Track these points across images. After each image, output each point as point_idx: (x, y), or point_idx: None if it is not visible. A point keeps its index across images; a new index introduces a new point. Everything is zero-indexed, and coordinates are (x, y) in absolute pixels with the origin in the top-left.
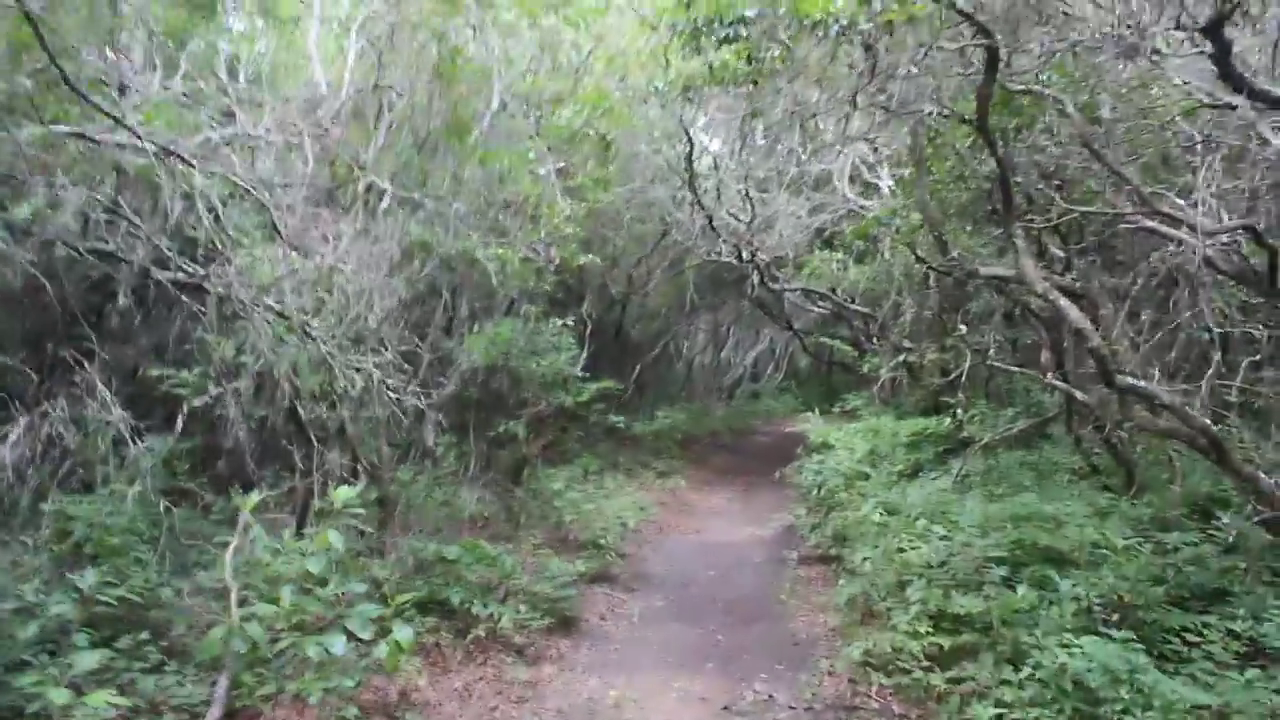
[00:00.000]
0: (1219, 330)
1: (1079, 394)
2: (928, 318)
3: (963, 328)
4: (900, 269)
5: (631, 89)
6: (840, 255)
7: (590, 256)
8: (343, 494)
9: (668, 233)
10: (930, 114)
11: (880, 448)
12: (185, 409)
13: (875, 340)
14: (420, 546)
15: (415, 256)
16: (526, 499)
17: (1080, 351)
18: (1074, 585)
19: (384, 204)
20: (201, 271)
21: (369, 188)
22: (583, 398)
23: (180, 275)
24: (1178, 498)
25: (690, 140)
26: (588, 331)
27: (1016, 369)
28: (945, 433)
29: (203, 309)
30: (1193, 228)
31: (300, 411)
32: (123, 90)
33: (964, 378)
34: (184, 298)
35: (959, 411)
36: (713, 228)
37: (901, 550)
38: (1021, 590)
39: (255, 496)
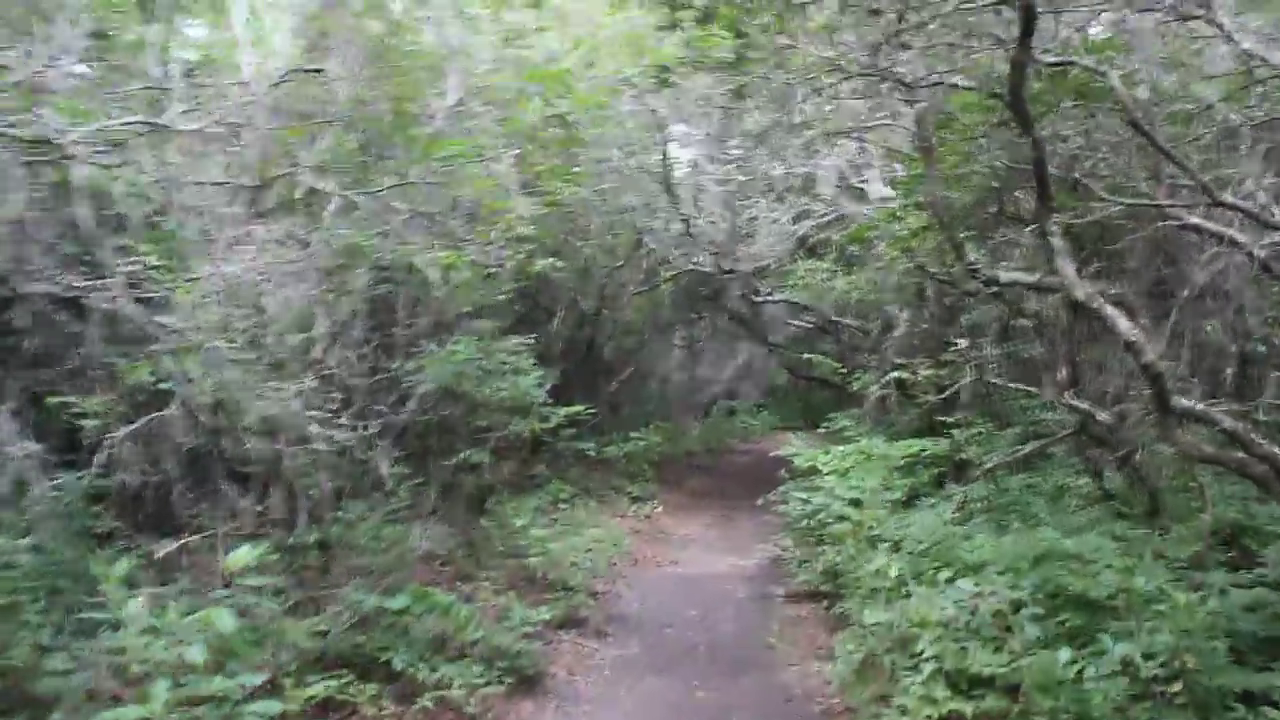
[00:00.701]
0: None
1: (1101, 414)
2: (922, 331)
3: (961, 341)
4: (896, 278)
5: (600, 79)
6: (827, 265)
7: (551, 261)
8: (239, 557)
9: (641, 243)
10: (953, 86)
11: (873, 473)
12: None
13: (865, 355)
14: (359, 599)
15: (350, 266)
16: (490, 532)
17: (1096, 367)
18: (1120, 643)
19: (330, 207)
20: (77, 285)
21: (305, 189)
22: (550, 424)
23: (54, 289)
24: (1207, 527)
25: (665, 139)
26: (558, 350)
27: (1019, 386)
28: (942, 455)
29: (89, 328)
30: (1266, 223)
31: (226, 445)
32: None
33: (962, 396)
34: (69, 316)
35: (956, 432)
36: (690, 235)
37: (917, 609)
38: (1063, 653)
39: (125, 563)
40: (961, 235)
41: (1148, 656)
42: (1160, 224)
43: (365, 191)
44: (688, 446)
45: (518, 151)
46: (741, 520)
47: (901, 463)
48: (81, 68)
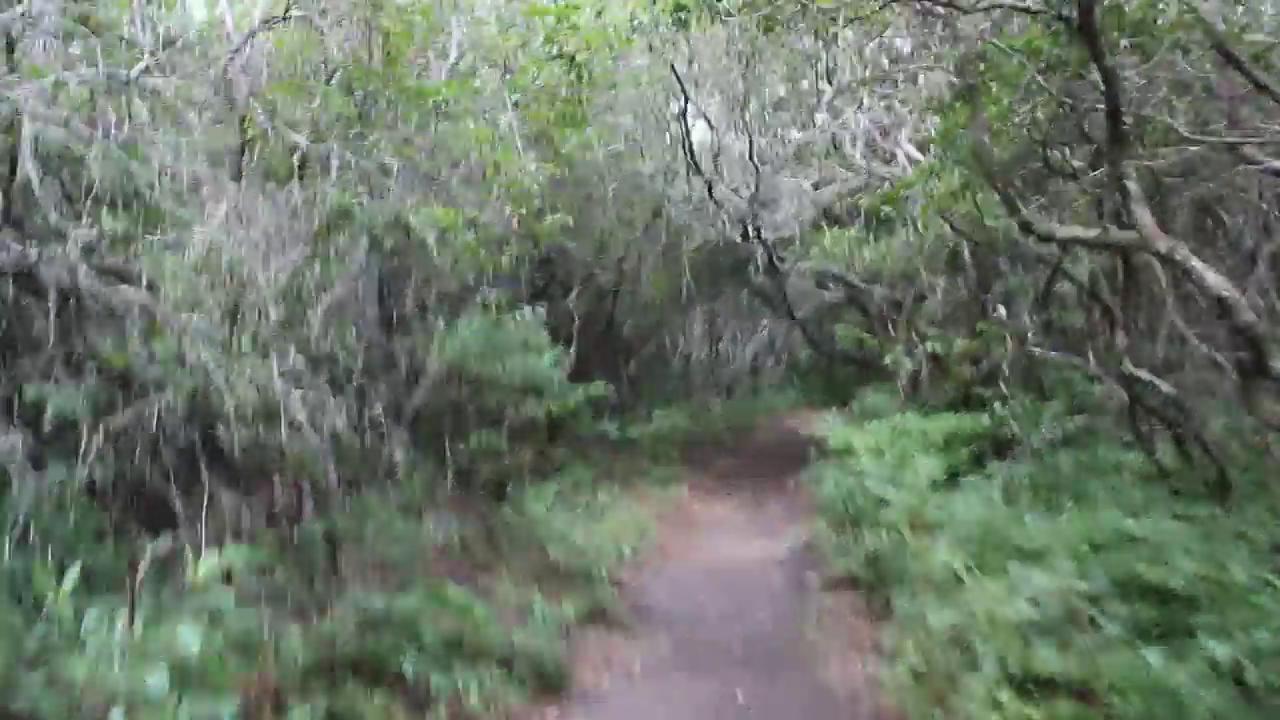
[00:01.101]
0: None
1: (1162, 384)
2: (956, 300)
3: (1001, 310)
4: (930, 244)
5: (612, 23)
6: (854, 232)
7: (560, 216)
8: (208, 566)
9: (660, 213)
10: (1013, 8)
11: (910, 451)
12: (99, 432)
13: (896, 328)
14: (367, 601)
15: (341, 229)
16: (509, 520)
17: (1147, 333)
18: (1217, 642)
19: (320, 168)
20: (33, 253)
21: (293, 150)
22: (569, 405)
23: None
24: None
25: (685, 94)
26: (575, 327)
27: (1063, 356)
28: (982, 432)
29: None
30: None
31: (222, 434)
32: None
33: (1002, 368)
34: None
35: (997, 407)
36: (713, 198)
37: (978, 603)
38: (1151, 653)
39: (74, 573)
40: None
41: (1254, 657)
42: (1240, 167)
43: (356, 150)
44: (712, 426)
45: (517, 99)
46: (770, 502)
47: (939, 440)
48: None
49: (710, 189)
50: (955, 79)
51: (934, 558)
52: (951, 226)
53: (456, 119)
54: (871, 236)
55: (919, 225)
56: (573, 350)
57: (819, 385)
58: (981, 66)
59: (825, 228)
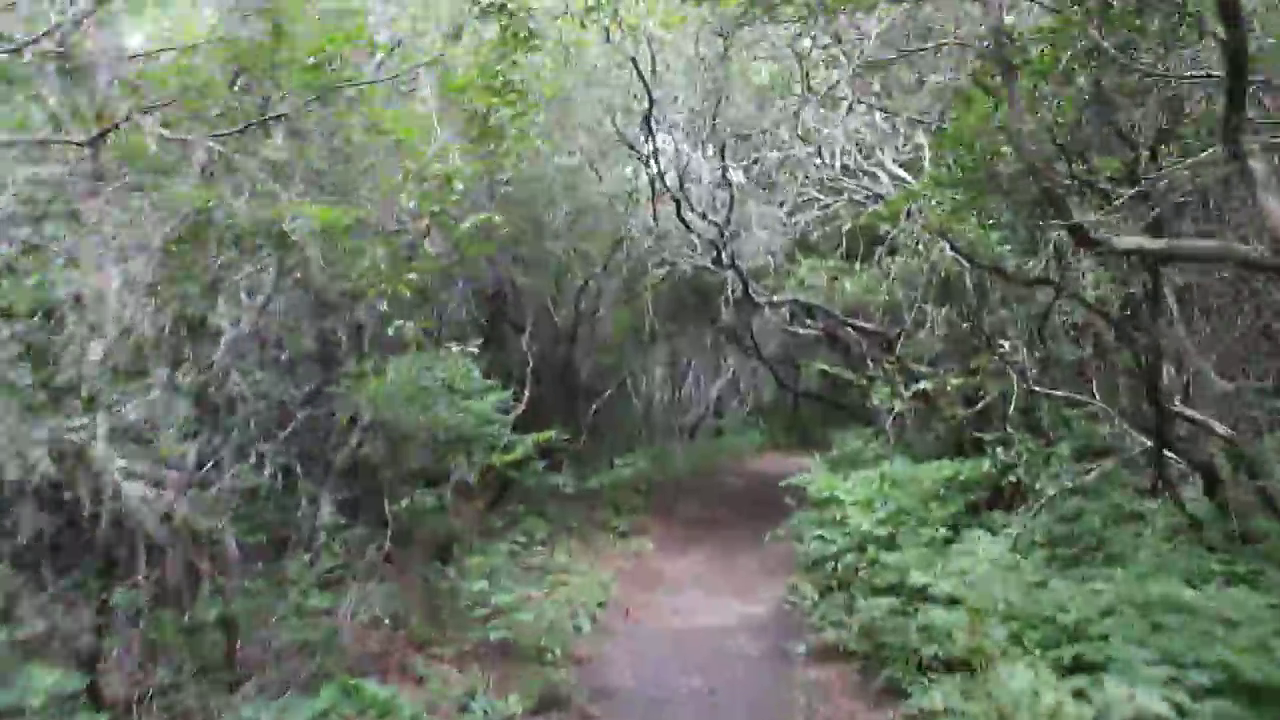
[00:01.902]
0: None
1: (1218, 426)
2: (947, 334)
3: (1005, 343)
4: (924, 270)
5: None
6: (833, 262)
7: (486, 216)
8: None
9: (621, 243)
10: None
11: (904, 502)
12: None
13: (882, 365)
14: (258, 713)
15: (201, 235)
16: (454, 587)
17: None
18: None
19: (199, 163)
20: None
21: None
22: (514, 454)
23: None
24: None
25: (649, 92)
26: (529, 369)
27: (1072, 395)
28: (980, 479)
29: None
30: None
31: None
32: None
33: (1002, 406)
34: None
35: (999, 451)
36: (681, 219)
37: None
38: None
39: None
40: (1001, 211)
41: None
42: None
43: (219, 135)
44: (676, 472)
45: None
46: (742, 555)
47: (935, 489)
48: None
49: (679, 207)
50: (976, 62)
51: (951, 631)
52: (953, 247)
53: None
54: (857, 266)
55: (917, 247)
56: (525, 395)
57: (784, 427)
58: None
59: (800, 258)
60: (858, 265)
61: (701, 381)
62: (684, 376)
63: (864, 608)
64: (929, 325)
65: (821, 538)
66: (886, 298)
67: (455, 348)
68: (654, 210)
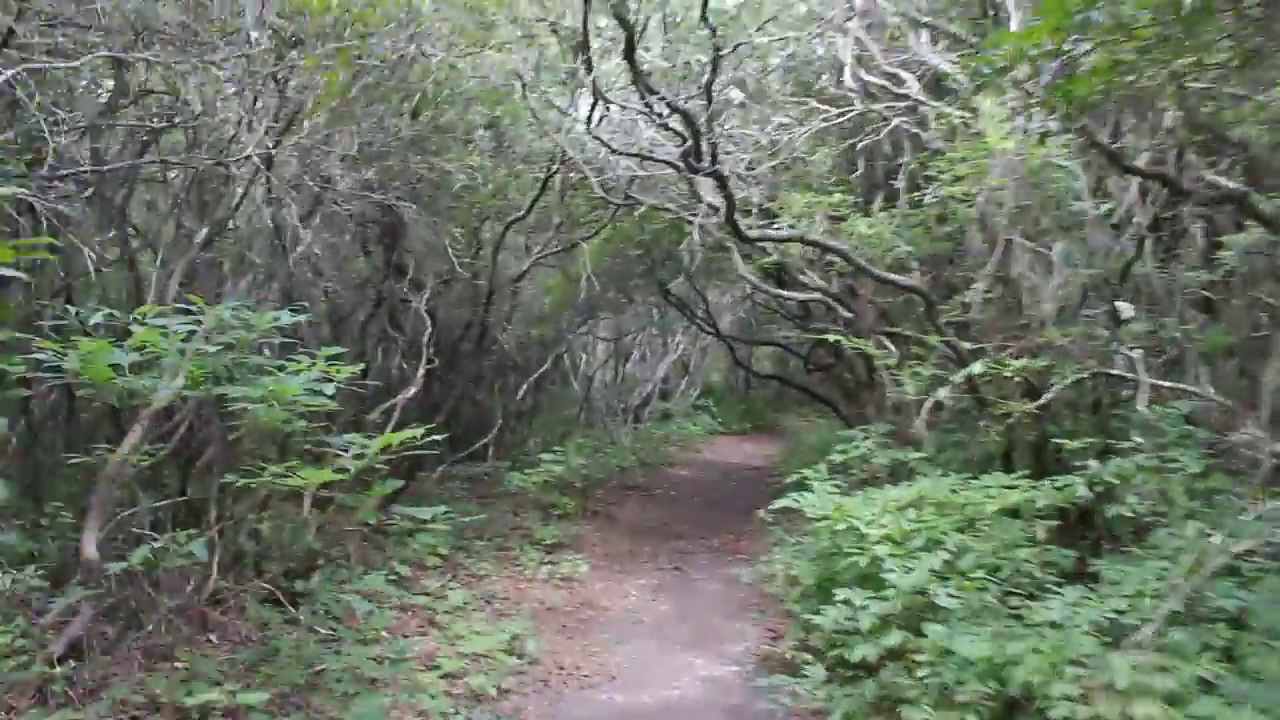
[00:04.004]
0: None
1: None
2: (998, 295)
3: (1127, 308)
4: (981, 200)
5: None
6: (839, 197)
7: None
8: None
9: (553, 177)
10: None
11: (951, 540)
12: None
13: (897, 339)
14: None
15: None
16: (298, 646)
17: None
18: None
19: None
20: None
21: None
22: (356, 463)
23: None
24: None
25: None
26: (427, 338)
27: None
28: (1061, 505)
29: None
30: None
31: None
32: None
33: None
34: None
35: (1093, 465)
36: (647, 103)
37: None
38: None
39: None
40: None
41: None
42: None
43: None
44: (619, 460)
45: None
46: (702, 578)
47: (999, 522)
48: None
49: (641, 86)
50: None
51: None
52: (1095, 145)
53: None
54: (868, 209)
55: (953, 171)
56: (420, 372)
57: (736, 411)
58: None
59: (790, 193)
60: (867, 208)
61: (648, 360)
62: (629, 355)
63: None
64: (984, 285)
65: (846, 603)
66: (910, 248)
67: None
68: (592, 113)
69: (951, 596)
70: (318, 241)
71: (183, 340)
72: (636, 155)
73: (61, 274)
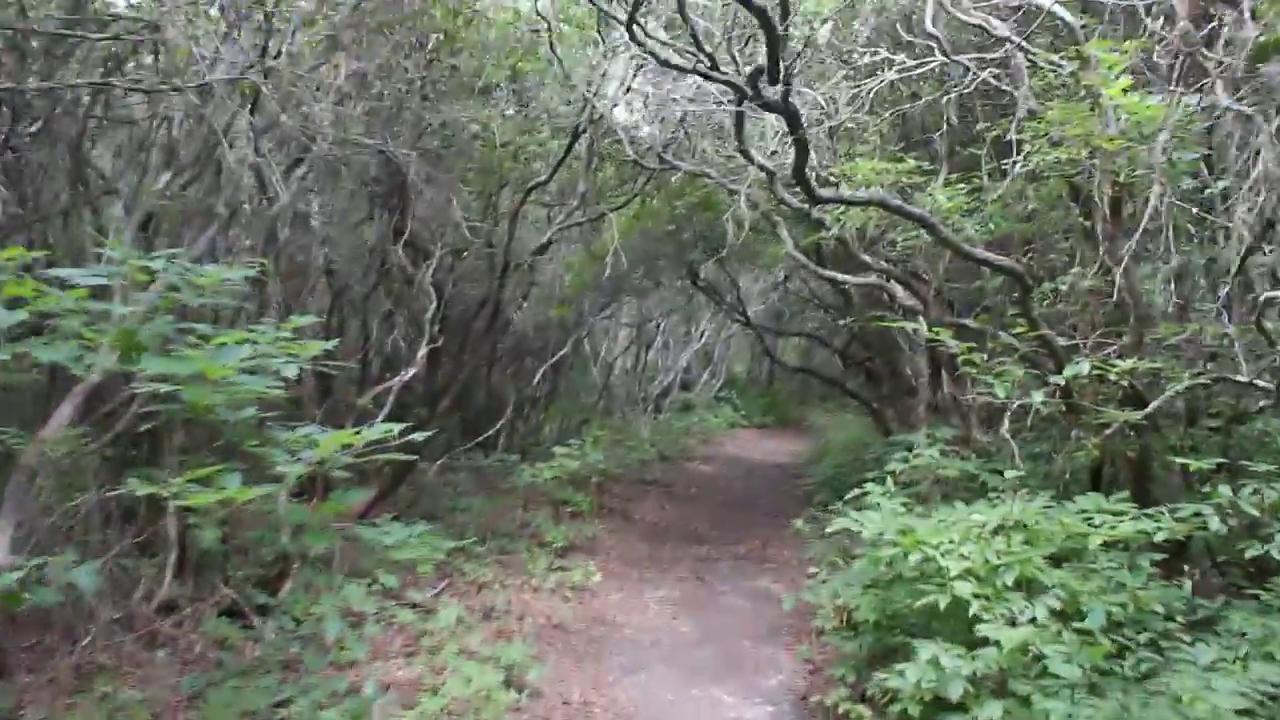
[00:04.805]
0: None
1: None
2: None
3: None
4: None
5: None
6: (909, 163)
7: None
8: None
9: (580, 135)
10: None
11: (1048, 577)
12: None
13: (978, 334)
14: None
15: None
16: (276, 646)
17: None
18: None
19: None
20: None
21: None
22: (320, 461)
23: None
24: None
25: None
26: (432, 313)
27: None
28: (1179, 538)
29: None
30: None
31: None
32: None
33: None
34: None
35: (1224, 492)
36: (699, 48)
37: None
38: None
39: None
40: None
41: None
42: None
43: None
44: (638, 453)
45: None
46: (727, 590)
47: (1108, 555)
48: None
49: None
50: None
51: None
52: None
53: None
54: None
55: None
56: (421, 353)
57: (759, 404)
58: None
59: (848, 156)
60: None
61: (670, 348)
62: (650, 341)
63: None
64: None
65: (934, 663)
66: (980, 228)
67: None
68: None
69: (1065, 658)
70: (314, 200)
71: (84, 299)
72: (691, 70)
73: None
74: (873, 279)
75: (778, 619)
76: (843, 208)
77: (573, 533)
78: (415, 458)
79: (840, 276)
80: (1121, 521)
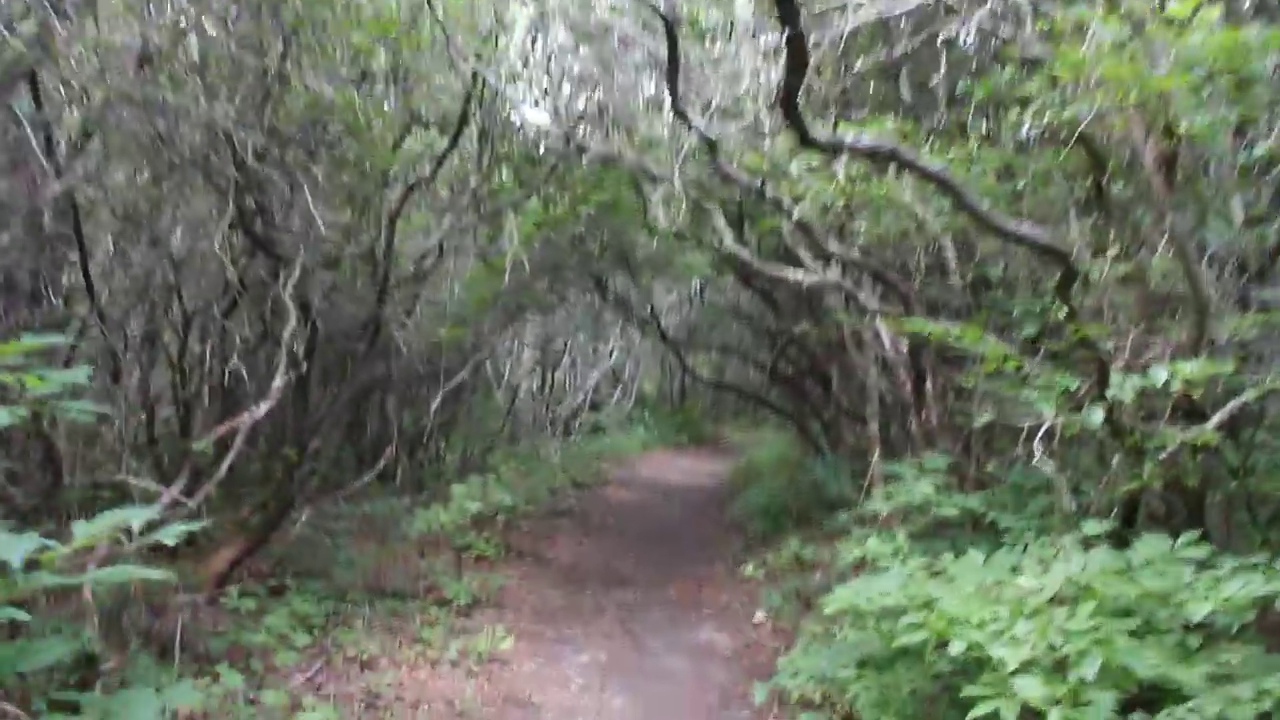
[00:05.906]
0: None
1: None
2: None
3: None
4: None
5: None
6: (902, 124)
7: None
8: None
9: (470, 116)
10: None
11: (1153, 669)
12: None
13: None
14: None
15: None
16: None
17: None
18: None
19: None
20: None
21: None
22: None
23: None
24: None
25: None
26: (291, 333)
27: None
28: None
29: None
30: None
31: None
32: None
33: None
34: None
35: None
36: None
37: None
38: None
39: None
40: None
41: None
42: None
43: None
44: (548, 481)
45: None
46: (658, 643)
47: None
48: None
49: None
50: None
51: None
52: None
53: None
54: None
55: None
56: (281, 377)
57: (672, 423)
58: None
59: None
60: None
61: (578, 367)
62: (557, 362)
63: None
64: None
65: None
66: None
67: None
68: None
69: None
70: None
71: None
72: None
73: None
74: (831, 277)
75: (729, 683)
76: (804, 184)
77: (477, 584)
78: (288, 503)
79: (792, 275)
80: (1221, 578)
